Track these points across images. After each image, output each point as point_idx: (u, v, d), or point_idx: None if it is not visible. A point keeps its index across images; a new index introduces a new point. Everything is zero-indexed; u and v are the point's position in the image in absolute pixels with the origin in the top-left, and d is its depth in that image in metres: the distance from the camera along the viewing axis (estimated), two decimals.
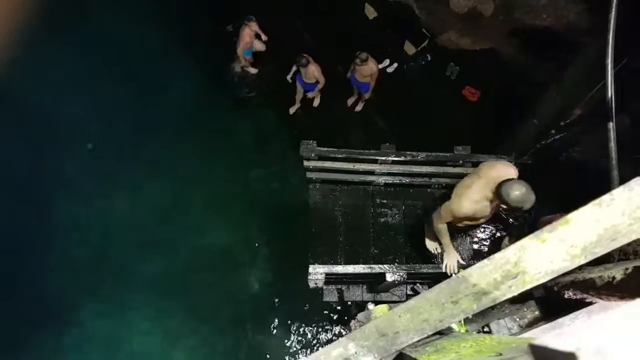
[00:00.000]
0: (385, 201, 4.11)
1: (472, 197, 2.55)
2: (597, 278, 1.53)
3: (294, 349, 5.07)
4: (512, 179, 2.38)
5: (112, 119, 5.68)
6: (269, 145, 5.98)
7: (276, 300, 5.24)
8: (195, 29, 6.38)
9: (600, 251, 0.91)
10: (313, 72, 5.33)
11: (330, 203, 4.09)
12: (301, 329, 5.15)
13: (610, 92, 1.82)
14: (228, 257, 5.37)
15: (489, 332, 2.12)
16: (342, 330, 5.10)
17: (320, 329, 5.14)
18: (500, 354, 1.00)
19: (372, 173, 3.91)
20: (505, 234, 4.52)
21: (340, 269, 3.41)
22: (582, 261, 0.91)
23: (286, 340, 5.10)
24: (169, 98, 6.04)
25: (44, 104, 5.60)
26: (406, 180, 3.99)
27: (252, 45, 5.96)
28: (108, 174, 5.70)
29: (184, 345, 5.08)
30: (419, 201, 4.11)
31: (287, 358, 5.03)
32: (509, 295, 0.97)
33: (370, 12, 6.65)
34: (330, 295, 4.12)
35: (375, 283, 3.77)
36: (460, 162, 3.74)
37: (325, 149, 3.65)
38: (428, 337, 1.13)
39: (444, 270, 3.13)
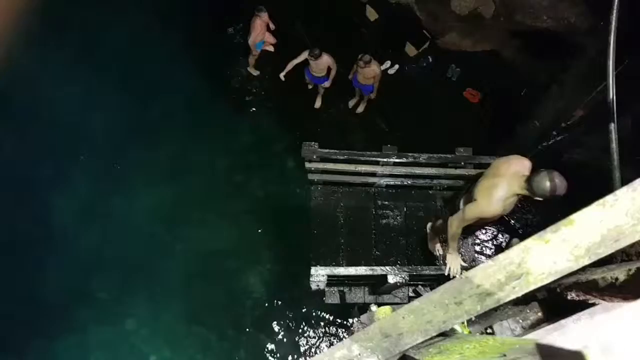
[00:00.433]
0: (387, 203, 4.12)
1: (500, 196, 2.59)
2: (600, 279, 1.53)
3: (297, 351, 5.06)
4: (538, 170, 2.40)
5: (112, 120, 5.66)
6: (270, 147, 5.99)
7: (278, 302, 5.24)
8: (196, 29, 6.38)
9: (604, 252, 0.91)
10: (327, 62, 5.24)
11: (332, 205, 4.09)
12: (303, 331, 5.14)
13: (612, 93, 1.82)
14: (229, 258, 5.36)
15: (492, 333, 2.11)
16: (344, 332, 5.09)
17: (322, 331, 5.13)
18: (504, 355, 1.00)
19: (373, 175, 3.91)
20: (508, 235, 4.52)
21: (342, 270, 3.40)
22: (586, 262, 0.91)
23: (288, 343, 5.09)
24: (169, 99, 6.04)
25: (44, 104, 5.59)
26: (408, 181, 3.99)
27: (263, 38, 5.87)
28: (108, 174, 5.69)
29: (184, 347, 5.07)
30: (421, 203, 4.11)
31: None
32: (513, 296, 0.97)
33: (372, 14, 6.67)
34: (332, 297, 4.12)
35: (377, 285, 3.77)
36: (462, 163, 3.73)
37: (327, 150, 3.64)
38: (431, 338, 1.13)
39: (446, 273, 3.12)
